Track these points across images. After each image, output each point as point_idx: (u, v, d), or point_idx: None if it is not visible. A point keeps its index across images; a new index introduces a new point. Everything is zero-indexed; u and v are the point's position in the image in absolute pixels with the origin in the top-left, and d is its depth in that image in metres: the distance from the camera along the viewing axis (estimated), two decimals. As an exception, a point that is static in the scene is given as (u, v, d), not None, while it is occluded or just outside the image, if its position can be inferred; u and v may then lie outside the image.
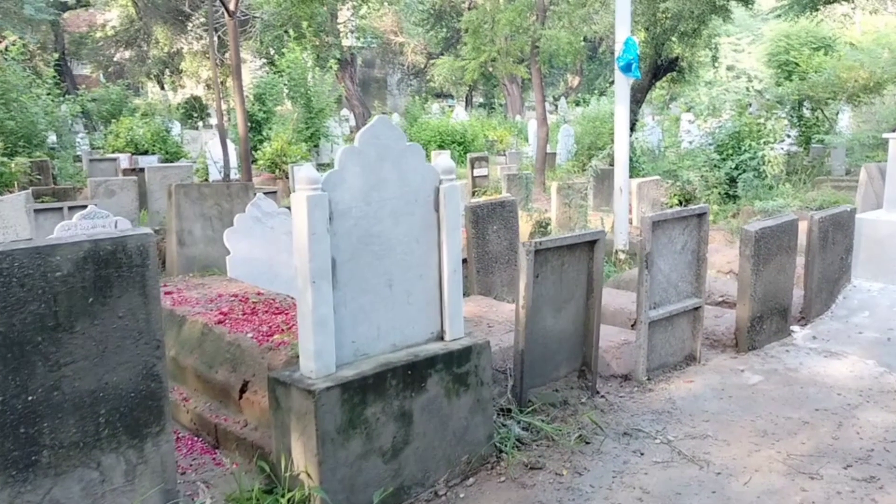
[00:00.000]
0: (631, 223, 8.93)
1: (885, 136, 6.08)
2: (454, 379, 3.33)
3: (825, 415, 4.11)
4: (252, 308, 3.99)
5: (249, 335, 3.59)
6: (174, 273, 7.10)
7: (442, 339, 3.46)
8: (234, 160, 13.72)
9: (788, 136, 15.91)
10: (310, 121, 19.05)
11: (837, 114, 23.85)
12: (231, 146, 14.46)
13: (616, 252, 8.22)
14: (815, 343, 5.27)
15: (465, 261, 7.17)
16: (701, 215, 4.77)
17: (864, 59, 22.52)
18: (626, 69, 7.87)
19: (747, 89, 23.68)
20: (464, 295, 6.89)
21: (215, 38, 19.90)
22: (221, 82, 20.32)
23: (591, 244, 4.10)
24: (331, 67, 19.57)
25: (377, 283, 3.20)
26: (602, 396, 4.28)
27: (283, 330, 3.60)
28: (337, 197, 3.01)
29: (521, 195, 10.77)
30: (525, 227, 9.33)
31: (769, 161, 10.62)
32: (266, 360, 3.38)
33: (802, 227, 5.54)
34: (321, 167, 18.26)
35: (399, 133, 3.22)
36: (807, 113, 21.14)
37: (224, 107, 16.59)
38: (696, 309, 4.88)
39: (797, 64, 26.99)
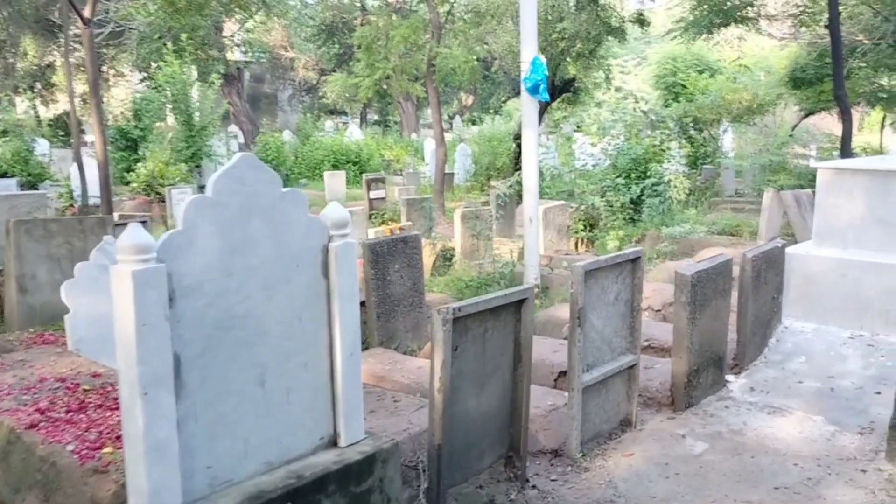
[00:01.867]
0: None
1: (813, 164, 5.74)
2: (353, 501, 2.50)
3: (787, 495, 3.53)
4: (81, 401, 3.01)
5: (70, 447, 2.63)
6: (13, 326, 5.92)
7: (335, 444, 2.62)
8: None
9: (674, 157, 15.93)
10: (191, 139, 17.66)
11: (724, 132, 24.59)
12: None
13: (526, 287, 7.58)
14: (755, 396, 4.76)
15: (363, 304, 6.35)
16: (635, 260, 4.15)
17: (746, 82, 23.33)
18: (534, 91, 7.28)
19: (634, 110, 23.88)
20: (363, 347, 6.09)
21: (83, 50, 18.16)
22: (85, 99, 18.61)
23: (519, 304, 3.37)
24: (213, 82, 18.26)
25: (244, 382, 2.34)
26: (534, 486, 3.54)
27: (117, 437, 2.66)
28: (181, 268, 2.13)
29: (424, 224, 10.02)
30: (428, 259, 8.59)
31: (674, 186, 10.37)
32: (90, 489, 2.43)
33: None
34: (202, 190, 16.91)
35: (271, 176, 2.38)
36: (694, 134, 21.58)
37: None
38: (632, 367, 4.25)
39: (684, 86, 27.81)
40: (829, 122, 25.72)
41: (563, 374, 4.94)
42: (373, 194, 15.33)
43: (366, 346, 5.96)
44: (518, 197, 8.09)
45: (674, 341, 4.54)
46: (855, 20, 16.69)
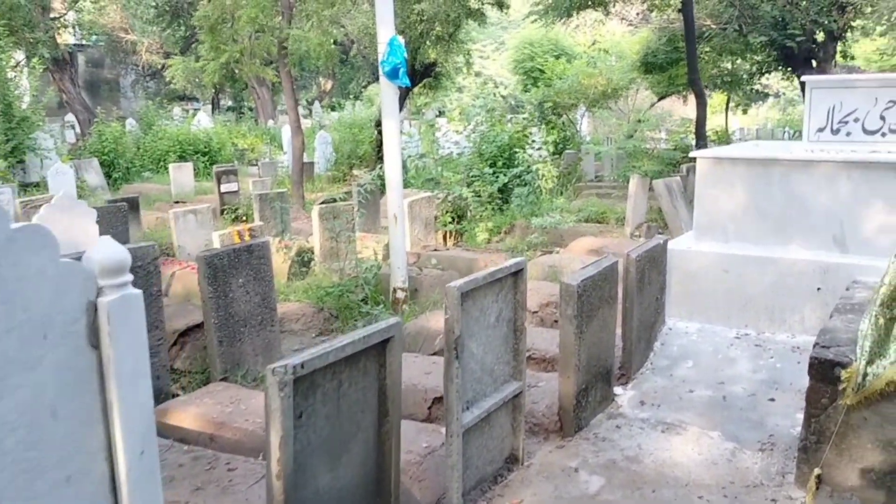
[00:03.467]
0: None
1: (692, 154, 5.41)
2: None
3: (698, 539, 3.08)
4: None
5: None
6: None
7: (125, 581, 1.82)
8: None
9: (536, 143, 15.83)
10: (10, 132, 15.58)
11: (582, 117, 24.97)
12: None
13: (394, 291, 6.91)
14: (646, 411, 4.34)
15: (201, 325, 5.44)
16: (517, 273, 3.56)
17: (602, 67, 23.74)
18: (393, 75, 6.57)
19: (494, 95, 23.87)
20: (203, 380, 5.18)
21: None
22: None
23: (383, 345, 2.67)
24: (34, 67, 16.20)
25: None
26: (409, 566, 2.88)
27: None
28: None
29: (276, 224, 9.09)
30: (282, 265, 7.71)
31: (543, 175, 10.02)
32: None
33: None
34: (26, 188, 14.99)
35: (-11, 208, 1.54)
36: (553, 118, 21.71)
37: None
38: (517, 396, 3.68)
39: (542, 71, 28.05)
40: (678, 106, 26.80)
41: (438, 400, 4.32)
42: (224, 188, 14.07)
43: (205, 379, 5.09)
44: (382, 187, 7.42)
45: (561, 360, 4.01)
46: (702, 5, 17.14)
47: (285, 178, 16.92)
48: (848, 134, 5.06)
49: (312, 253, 8.22)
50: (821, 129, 5.15)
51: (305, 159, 17.16)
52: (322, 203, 8.91)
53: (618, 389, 4.60)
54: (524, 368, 3.71)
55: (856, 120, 5.03)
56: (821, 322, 4.87)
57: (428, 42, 17.57)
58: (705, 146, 14.61)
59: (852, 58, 18.77)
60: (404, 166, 7.78)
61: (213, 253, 5.02)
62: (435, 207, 10.27)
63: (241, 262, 5.15)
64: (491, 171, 10.63)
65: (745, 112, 26.19)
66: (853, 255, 4.77)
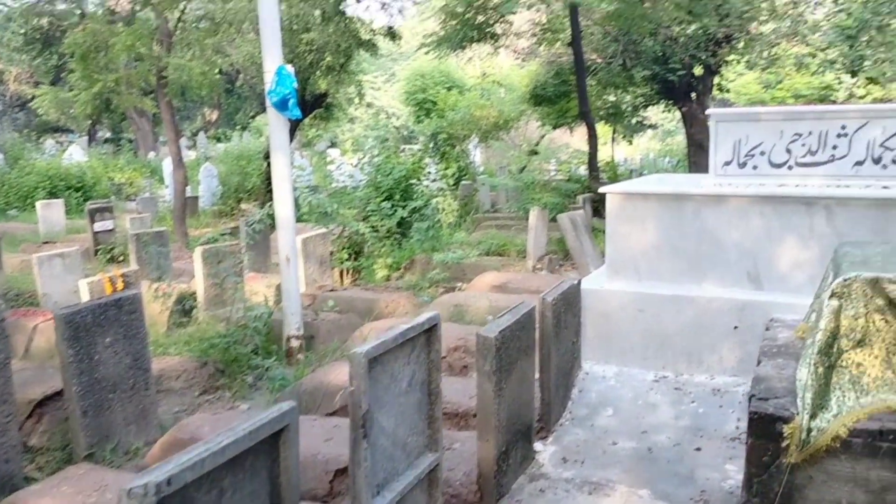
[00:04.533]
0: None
1: (602, 189, 5.19)
2: None
3: None
4: None
5: None
6: None
7: None
8: None
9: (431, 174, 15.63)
10: None
11: (475, 148, 25.06)
12: None
13: (288, 339, 6.34)
14: (569, 469, 3.99)
15: (62, 393, 4.70)
16: (430, 330, 3.14)
17: (493, 100, 23.98)
18: (282, 106, 6.07)
19: (387, 126, 23.59)
20: (64, 458, 4.42)
21: None
22: None
23: (275, 437, 2.17)
24: None
25: None
26: None
27: None
28: None
29: (153, 266, 8.30)
30: (161, 314, 6.98)
31: (442, 209, 9.70)
32: None
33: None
34: None
35: None
36: (448, 150, 21.65)
37: None
38: (434, 469, 3.23)
39: (434, 102, 28.11)
40: (566, 137, 27.42)
41: (341, 472, 3.81)
42: (98, 226, 12.96)
43: (67, 456, 4.37)
44: (273, 223, 6.86)
45: (479, 422, 3.60)
46: (587, 40, 17.52)
47: (167, 214, 15.92)
48: (755, 167, 4.99)
49: (195, 299, 7.50)
50: (728, 163, 5.06)
51: (189, 193, 16.23)
52: (205, 244, 8.21)
53: (538, 445, 4.24)
54: (440, 437, 3.28)
55: (762, 153, 4.96)
56: (739, 361, 4.73)
57: (318, 72, 17.10)
58: (598, 177, 14.80)
59: (727, 90, 19.70)
60: (296, 203, 7.25)
61: (73, 310, 4.33)
62: (330, 244, 9.74)
63: (109, 319, 4.48)
64: (389, 204, 10.22)
65: (630, 143, 27.07)
66: (768, 291, 4.65)
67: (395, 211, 10.14)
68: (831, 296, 3.21)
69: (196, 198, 17.97)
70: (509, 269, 9.24)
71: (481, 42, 14.17)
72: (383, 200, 10.42)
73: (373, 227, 9.92)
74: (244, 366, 6.01)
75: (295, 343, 6.36)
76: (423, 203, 10.23)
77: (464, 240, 10.46)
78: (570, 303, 4.63)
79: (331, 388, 5.10)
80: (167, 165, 18.64)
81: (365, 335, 6.31)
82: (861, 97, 16.35)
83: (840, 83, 13.12)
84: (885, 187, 4.54)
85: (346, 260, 9.70)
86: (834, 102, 15.84)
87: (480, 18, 13.14)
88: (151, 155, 27.73)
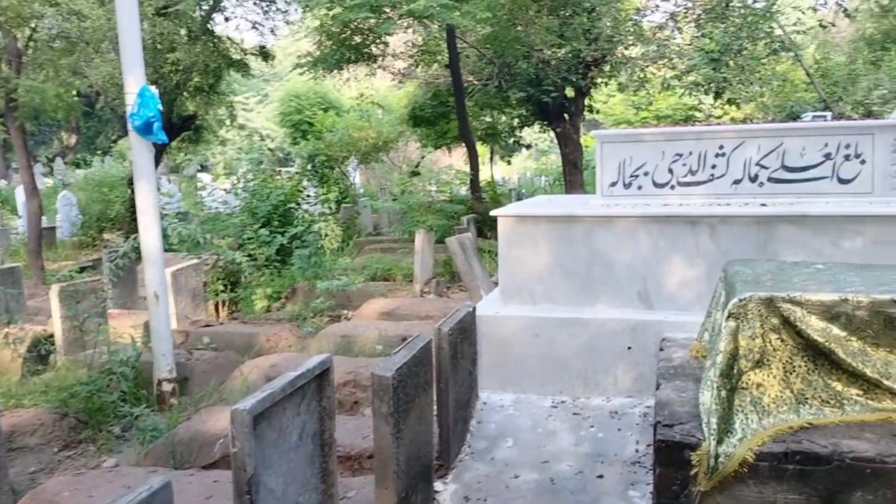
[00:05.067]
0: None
1: (493, 213, 5.07)
2: None
3: None
4: None
5: None
6: None
7: None
8: None
9: (310, 196, 15.27)
10: None
11: (355, 170, 24.75)
12: None
13: (159, 383, 5.81)
14: (473, 509, 3.79)
15: None
16: (322, 375, 2.86)
17: (372, 121, 23.81)
18: (146, 130, 5.60)
19: (261, 148, 22.89)
20: None
21: None
22: None
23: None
24: None
25: None
26: None
27: None
28: None
29: (2, 308, 7.48)
30: (13, 361, 6.25)
31: (326, 234, 9.35)
32: None
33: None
34: None
35: None
36: (327, 172, 21.26)
37: None
38: (330, 528, 2.94)
39: (311, 123, 27.59)
40: (445, 158, 27.62)
41: (223, 535, 3.43)
42: (-64, 264, 11.66)
43: None
44: (138, 255, 6.30)
45: (377, 468, 3.33)
46: (463, 62, 17.71)
47: (20, 248, 14.60)
48: (640, 188, 5.03)
49: (53, 342, 6.78)
50: (613, 184, 5.08)
51: (46, 223, 14.97)
52: (64, 280, 7.49)
53: (438, 485, 4.01)
54: (336, 491, 2.99)
55: (646, 173, 5.02)
56: (633, 382, 4.71)
57: (186, 93, 16.32)
58: (481, 197, 14.89)
59: (597, 111, 20.45)
60: (164, 232, 6.70)
61: None
62: (204, 275, 9.16)
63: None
64: (266, 231, 9.76)
65: (509, 163, 27.63)
66: (659, 311, 4.68)
67: (274, 238, 9.69)
68: (728, 316, 3.19)
69: (53, 228, 16.62)
70: (397, 295, 9.02)
71: (358, 63, 13.95)
72: (260, 227, 9.94)
73: (250, 255, 9.42)
74: (110, 415, 5.45)
75: (167, 387, 5.83)
76: (303, 228, 9.84)
77: (348, 265, 10.14)
78: (466, 331, 4.45)
79: (209, 437, 4.68)
80: (20, 194, 17.14)
81: (245, 374, 5.89)
82: (718, 117, 17.38)
83: (701, 104, 13.86)
84: (762, 205, 4.67)
85: (222, 291, 9.15)
86: (695, 122, 16.75)
87: (357, 39, 12.94)
88: (2, 183, 25.56)
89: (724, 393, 3.04)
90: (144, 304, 6.88)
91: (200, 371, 6.26)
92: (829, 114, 12.22)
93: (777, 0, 11.71)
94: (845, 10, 12.35)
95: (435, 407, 4.14)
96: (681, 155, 4.93)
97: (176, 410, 5.55)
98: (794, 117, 14.36)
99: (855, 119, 11.93)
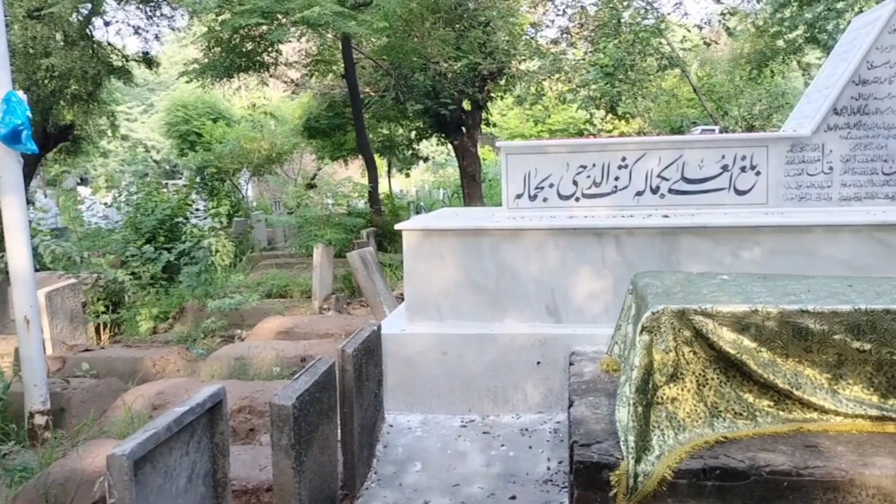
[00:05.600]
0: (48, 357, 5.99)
1: (398, 227, 4.87)
2: None
3: None
4: None
5: None
6: None
7: None
8: None
9: (199, 210, 14.61)
10: None
11: (247, 182, 23.97)
12: None
13: (31, 416, 5.25)
14: (382, 540, 3.57)
15: None
16: (213, 410, 2.57)
17: (264, 132, 23.14)
18: (13, 139, 5.06)
19: (146, 159, 21.84)
20: None
21: None
22: None
23: None
24: None
25: None
26: None
27: None
28: None
29: None
30: None
31: (217, 250, 8.87)
32: None
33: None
34: None
35: None
36: (217, 185, 20.48)
37: None
38: (226, 578, 2.64)
39: (199, 134, 26.54)
40: (341, 170, 27.20)
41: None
42: None
43: None
44: (6, 277, 5.71)
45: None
46: (359, 73, 17.49)
47: None
48: (545, 200, 4.97)
49: None
50: (519, 196, 5.00)
51: None
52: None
53: (344, 517, 3.76)
54: (233, 537, 2.70)
55: (551, 185, 4.96)
56: (543, 397, 4.62)
57: (62, 101, 15.29)
58: (380, 210, 14.67)
59: (495, 125, 20.68)
60: (35, 251, 6.12)
61: None
62: (83, 295, 8.48)
63: None
64: (152, 247, 9.16)
65: (407, 175, 27.50)
66: (567, 324, 4.61)
67: (160, 254, 9.10)
68: (642, 330, 3.13)
69: None
70: (295, 312, 8.65)
71: (249, 71, 13.46)
72: (145, 243, 9.33)
73: (133, 273, 8.81)
74: (-29, 456, 4.86)
75: (40, 420, 5.28)
76: (192, 244, 9.30)
77: (241, 282, 9.67)
78: (371, 351, 4.23)
79: (87, 475, 4.22)
80: None
81: (128, 403, 5.41)
82: (609, 132, 17.91)
83: (593, 118, 14.22)
84: (665, 216, 4.71)
85: (103, 313, 8.49)
86: (591, 135, 17.17)
87: (248, 46, 12.46)
88: None
89: (640, 409, 2.97)
90: (15, 329, 6.25)
91: (78, 401, 5.71)
92: (717, 128, 12.82)
93: (665, 17, 12.20)
94: (728, 28, 12.99)
95: (339, 433, 3.90)
96: (585, 167, 4.91)
97: (50, 446, 5.01)
98: (681, 131, 14.97)
99: (739, 133, 12.54)
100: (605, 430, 3.13)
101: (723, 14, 13.08)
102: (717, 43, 13.50)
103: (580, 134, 17.44)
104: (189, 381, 5.70)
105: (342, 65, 14.56)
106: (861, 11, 12.56)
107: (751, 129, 13.75)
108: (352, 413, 3.90)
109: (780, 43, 13.56)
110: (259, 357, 6.38)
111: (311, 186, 19.84)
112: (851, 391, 3.07)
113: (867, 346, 3.02)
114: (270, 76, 15.09)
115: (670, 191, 4.86)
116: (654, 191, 4.87)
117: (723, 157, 4.80)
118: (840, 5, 12.59)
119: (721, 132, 12.34)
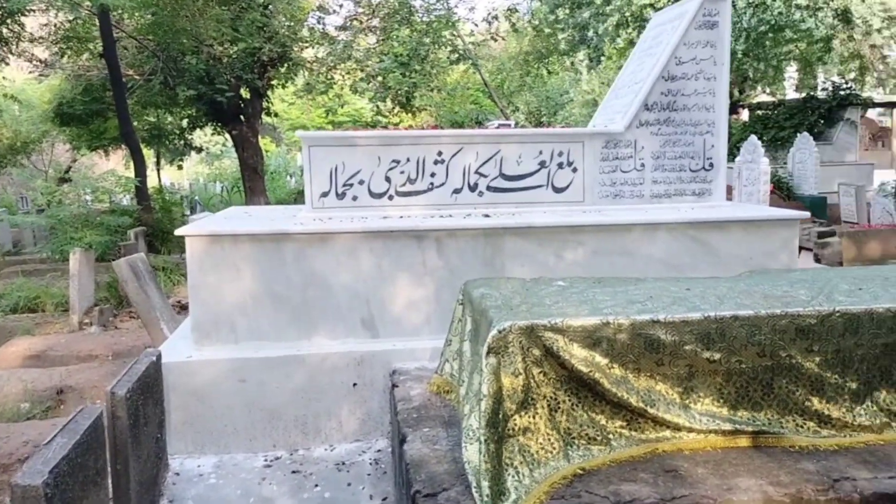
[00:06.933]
0: None
1: (178, 232, 4.02)
2: None
3: None
4: None
5: None
6: None
7: None
8: None
9: None
10: None
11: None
12: None
13: None
14: None
15: None
16: None
17: (7, 118, 20.14)
18: None
19: None
20: None
21: None
22: None
23: None
24: None
25: None
26: None
27: None
28: None
29: None
30: None
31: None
32: None
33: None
34: None
35: None
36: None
37: None
38: None
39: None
40: (101, 162, 24.44)
41: None
42: None
43: None
44: None
45: None
46: (121, 53, 15.61)
47: None
48: (354, 198, 4.41)
49: None
50: (325, 194, 4.39)
51: None
52: None
53: None
54: None
55: (361, 182, 4.41)
56: (361, 423, 4.09)
57: None
58: (149, 207, 13.17)
59: (276, 115, 19.60)
60: None
61: None
62: None
63: None
64: None
65: (179, 168, 25.34)
66: (385, 338, 4.10)
67: None
68: (488, 352, 2.71)
69: None
70: (48, 330, 7.30)
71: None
72: None
73: None
74: None
75: None
76: None
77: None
78: (149, 388, 3.41)
79: None
80: None
81: None
82: (395, 124, 17.66)
83: (380, 111, 13.81)
84: (486, 215, 4.36)
85: None
86: (375, 127, 16.79)
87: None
88: None
89: (492, 446, 2.54)
90: None
91: None
92: (511, 122, 12.98)
93: (455, 8, 12.10)
94: (514, 24, 13.21)
95: (111, 498, 3.08)
96: (398, 161, 4.42)
97: None
98: (467, 125, 15.04)
99: (556, 127, 12.80)
100: (451, 473, 2.68)
101: (509, 10, 13.27)
102: (504, 39, 13.70)
103: (373, 126, 17.01)
104: None
105: (100, 43, 12.83)
106: (628, 17, 13.43)
107: (539, 124, 14.17)
108: (126, 471, 3.10)
109: (563, 45, 14.07)
110: (2, 391, 5.19)
111: (64, 181, 17.49)
112: (703, 404, 2.88)
113: (717, 356, 2.84)
114: (11, 54, 12.93)
115: (489, 188, 4.53)
116: (473, 188, 4.51)
117: (540, 152, 4.55)
118: (608, 9, 13.31)
119: (514, 127, 12.53)
